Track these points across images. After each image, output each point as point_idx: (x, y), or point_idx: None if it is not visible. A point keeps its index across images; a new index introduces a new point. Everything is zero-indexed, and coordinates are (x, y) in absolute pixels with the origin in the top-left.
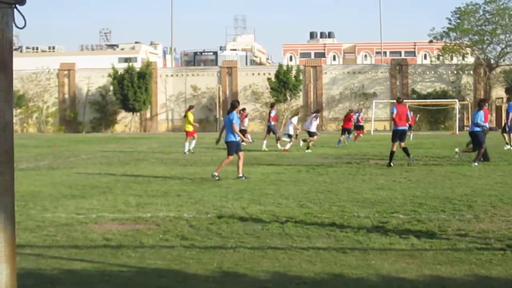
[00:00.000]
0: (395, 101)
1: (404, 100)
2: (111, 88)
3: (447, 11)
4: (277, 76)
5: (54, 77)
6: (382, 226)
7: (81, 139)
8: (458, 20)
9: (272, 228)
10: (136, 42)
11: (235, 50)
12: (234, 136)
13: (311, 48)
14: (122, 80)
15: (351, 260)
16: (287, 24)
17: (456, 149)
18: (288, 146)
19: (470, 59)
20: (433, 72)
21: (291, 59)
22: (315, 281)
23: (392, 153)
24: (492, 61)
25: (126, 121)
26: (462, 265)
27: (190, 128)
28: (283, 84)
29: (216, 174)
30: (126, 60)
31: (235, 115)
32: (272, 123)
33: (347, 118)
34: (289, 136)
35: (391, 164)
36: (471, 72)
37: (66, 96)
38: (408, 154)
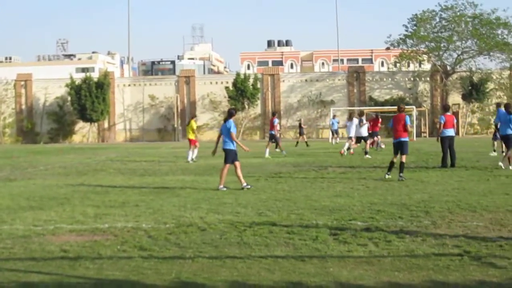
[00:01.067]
0: (349, 109)
1: (361, 108)
2: (69, 98)
3: (403, 18)
4: (234, 84)
5: (11, 88)
6: (340, 234)
7: (39, 150)
8: (415, 27)
9: (231, 237)
10: (93, 52)
11: (192, 59)
12: (233, 144)
13: (269, 56)
14: (79, 90)
15: (310, 268)
16: (244, 32)
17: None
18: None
19: (427, 66)
20: (390, 79)
21: (248, 67)
22: None
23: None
24: (449, 68)
25: (84, 131)
26: (420, 271)
27: (193, 136)
28: (240, 92)
29: (222, 186)
30: (84, 70)
31: (232, 123)
32: (273, 131)
33: (374, 122)
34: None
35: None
36: (428, 78)
37: (23, 106)
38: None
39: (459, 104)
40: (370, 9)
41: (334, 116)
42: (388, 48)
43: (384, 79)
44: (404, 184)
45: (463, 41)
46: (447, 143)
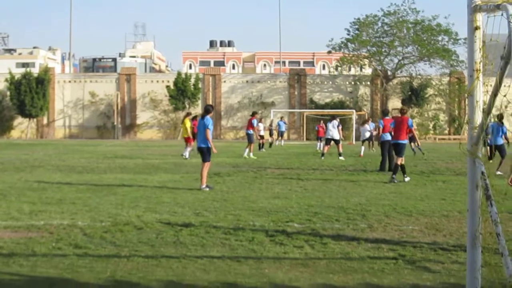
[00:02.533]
0: (290, 111)
1: (302, 110)
2: (8, 93)
3: (346, 22)
4: (176, 84)
5: None
6: (277, 235)
7: None
8: (357, 31)
9: (167, 236)
10: (34, 47)
11: (134, 57)
12: (207, 142)
13: (211, 56)
14: (19, 86)
15: (245, 269)
16: (187, 32)
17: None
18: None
19: (368, 70)
20: (331, 82)
21: (190, 67)
22: None
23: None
24: (389, 73)
25: (22, 127)
26: (355, 274)
27: (186, 134)
28: (181, 92)
29: (204, 186)
30: (24, 65)
31: (210, 120)
32: (250, 131)
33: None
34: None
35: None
36: (368, 83)
37: None
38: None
39: (398, 109)
40: (312, 12)
41: (281, 118)
42: (329, 52)
43: (325, 82)
44: (342, 187)
45: (404, 47)
46: (387, 147)
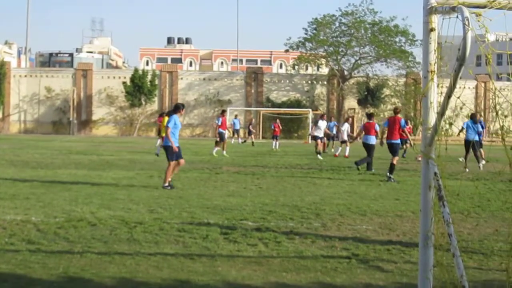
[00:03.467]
0: (246, 109)
1: (258, 108)
2: None
3: (304, 22)
4: (132, 80)
5: None
6: (231, 233)
7: None
8: (315, 31)
9: (121, 233)
10: None
11: (91, 52)
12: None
13: (168, 53)
14: None
15: (199, 267)
16: (144, 28)
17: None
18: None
19: (325, 70)
20: (288, 81)
21: (147, 63)
22: (161, 287)
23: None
24: (346, 73)
25: None
26: (308, 273)
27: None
28: (138, 88)
29: (167, 184)
30: None
31: (173, 118)
32: (221, 130)
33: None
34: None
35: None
36: (325, 82)
37: None
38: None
39: (354, 109)
40: (270, 11)
41: (236, 116)
42: (287, 51)
43: (282, 81)
44: (297, 186)
45: (362, 47)
46: (372, 149)
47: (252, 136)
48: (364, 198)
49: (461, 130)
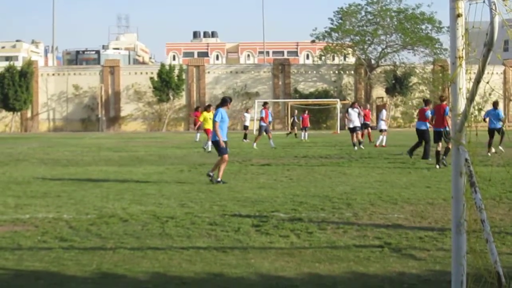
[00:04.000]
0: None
1: (286, 100)
2: None
3: (329, 12)
4: (159, 75)
5: None
6: (263, 225)
7: None
8: (340, 21)
9: (153, 228)
10: (17, 41)
11: (118, 49)
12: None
13: (194, 47)
14: (2, 79)
15: (231, 259)
16: (170, 23)
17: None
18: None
19: (352, 59)
20: (315, 72)
21: (174, 58)
22: (194, 280)
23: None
24: (373, 62)
25: (6, 121)
26: (341, 263)
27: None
28: (165, 83)
29: (212, 175)
30: (7, 58)
31: (220, 111)
32: (262, 123)
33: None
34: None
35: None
36: (352, 72)
37: None
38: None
39: (382, 98)
40: (295, 2)
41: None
42: (313, 41)
43: (309, 72)
44: (327, 176)
45: (388, 35)
46: (425, 135)
47: (295, 128)
48: (395, 186)
49: (484, 119)
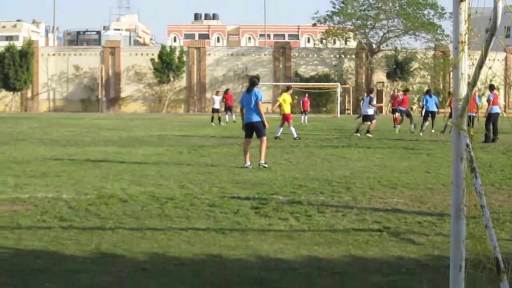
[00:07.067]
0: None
1: (287, 83)
2: None
3: None
4: (160, 57)
5: None
6: (262, 208)
7: None
8: (342, 4)
9: (152, 209)
10: (18, 20)
11: (118, 30)
12: (259, 115)
13: (195, 29)
14: (2, 59)
15: (230, 241)
16: (171, 4)
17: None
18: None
19: (353, 43)
20: (316, 55)
21: (175, 40)
22: (193, 261)
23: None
24: (374, 46)
25: (6, 101)
26: (339, 246)
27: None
28: (166, 65)
29: (263, 162)
30: (7, 38)
31: (260, 92)
32: (402, 108)
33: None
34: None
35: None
36: (353, 56)
37: None
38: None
39: (383, 83)
40: None
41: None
42: (314, 25)
43: (310, 56)
44: (327, 160)
45: (390, 20)
46: (492, 119)
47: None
48: (394, 171)
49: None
